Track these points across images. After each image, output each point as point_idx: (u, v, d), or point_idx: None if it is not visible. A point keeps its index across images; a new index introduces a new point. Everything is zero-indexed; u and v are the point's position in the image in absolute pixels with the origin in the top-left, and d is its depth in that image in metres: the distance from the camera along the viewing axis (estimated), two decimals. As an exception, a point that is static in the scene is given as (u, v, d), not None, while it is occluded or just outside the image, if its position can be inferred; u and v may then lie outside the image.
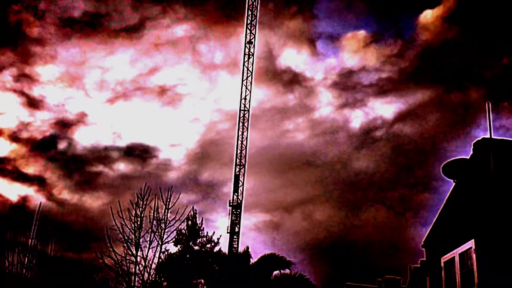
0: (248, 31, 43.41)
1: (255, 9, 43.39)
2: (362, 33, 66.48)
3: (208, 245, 26.44)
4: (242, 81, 43.38)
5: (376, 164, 59.95)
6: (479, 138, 12.51)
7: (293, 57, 66.85)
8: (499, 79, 54.93)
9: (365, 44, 63.19)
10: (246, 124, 42.63)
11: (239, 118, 42.79)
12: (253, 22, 43.42)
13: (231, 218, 40.53)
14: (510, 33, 55.39)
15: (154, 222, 23.94)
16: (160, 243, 23.90)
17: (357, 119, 72.42)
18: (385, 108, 73.99)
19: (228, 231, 39.80)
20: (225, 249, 32.97)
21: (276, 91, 63.42)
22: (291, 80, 62.59)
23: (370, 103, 67.84)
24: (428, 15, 61.03)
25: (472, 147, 12.83)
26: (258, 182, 55.59)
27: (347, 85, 63.76)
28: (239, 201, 40.89)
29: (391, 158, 58.80)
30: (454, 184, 13.27)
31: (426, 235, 14.16)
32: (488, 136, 12.48)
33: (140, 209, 23.86)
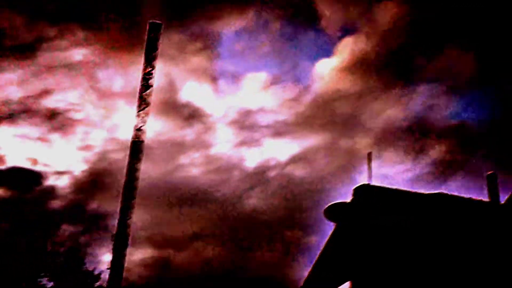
0: (148, 63, 42.92)
1: (155, 41, 43.11)
2: (263, 75, 68.50)
3: (89, 281, 25.02)
4: (138, 111, 42.52)
5: (267, 204, 61.05)
6: (359, 184, 13.17)
7: (194, 92, 66.99)
8: (383, 130, 58.99)
9: (265, 85, 65.14)
10: (139, 156, 41.58)
11: (132, 149, 41.66)
12: (153, 54, 43.04)
13: (116, 252, 38.77)
14: (392, 90, 60.14)
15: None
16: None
17: (252, 158, 73.67)
18: (280, 150, 76.12)
19: (110, 266, 38.00)
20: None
21: (175, 124, 62.89)
22: (191, 114, 62.53)
23: (266, 144, 69.46)
24: (324, 64, 64.49)
25: (352, 192, 13.46)
26: (148, 216, 54.04)
27: (245, 124, 64.95)
28: (125, 235, 39.30)
29: (282, 199, 60.23)
30: (334, 227, 13.78)
31: (306, 277, 14.46)
32: (368, 182, 13.18)
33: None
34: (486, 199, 15.59)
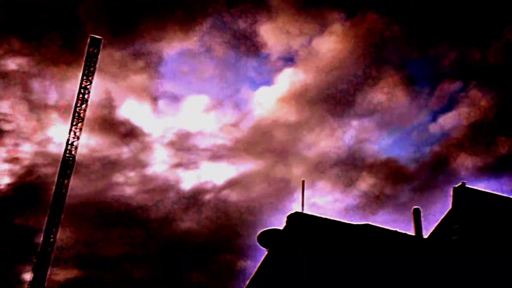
0: (85, 77, 42.01)
1: (95, 56, 42.36)
2: (204, 98, 68.66)
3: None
4: (72, 126, 41.34)
5: (201, 227, 60.51)
6: (292, 212, 13.47)
7: (133, 111, 65.96)
8: (317, 160, 60.46)
9: (205, 109, 65.23)
10: (69, 172, 40.25)
11: (63, 164, 40.30)
12: (91, 69, 42.21)
13: (38, 272, 37.01)
14: (327, 122, 62.00)
15: None
16: None
17: (188, 180, 73.04)
18: (216, 173, 76.00)
19: (29, 286, 36.22)
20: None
21: (111, 142, 61.42)
22: (128, 133, 61.35)
23: (203, 167, 69.15)
24: (264, 92, 65.59)
25: (286, 219, 13.74)
26: (75, 235, 52.06)
27: (183, 146, 64.50)
28: (48, 253, 37.66)
29: (216, 223, 59.93)
30: (266, 252, 13.97)
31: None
32: (300, 210, 13.51)
33: None
34: (411, 232, 16.36)
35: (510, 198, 15.77)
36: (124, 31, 60.40)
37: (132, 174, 62.97)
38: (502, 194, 15.79)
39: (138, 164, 62.18)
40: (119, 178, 61.71)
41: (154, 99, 66.05)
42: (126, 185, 61.71)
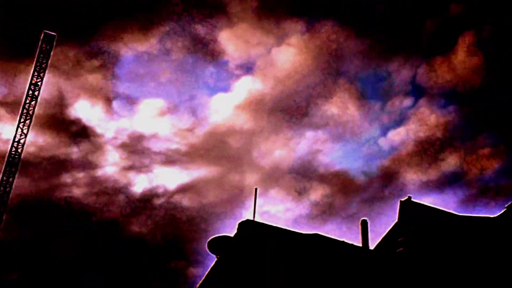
0: (36, 73, 40.83)
1: (47, 52, 41.24)
2: (159, 101, 67.84)
3: None
4: (19, 123, 40.05)
5: (151, 232, 59.64)
6: (244, 219, 13.54)
7: (86, 110, 64.34)
8: (271, 169, 60.91)
9: (160, 113, 64.49)
10: (14, 170, 38.94)
11: (8, 162, 38.95)
12: (43, 65, 41.07)
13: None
14: (282, 132, 62.64)
15: None
16: None
17: (140, 184, 71.87)
18: (169, 178, 75.08)
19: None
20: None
21: (60, 141, 59.70)
22: (79, 132, 59.80)
23: (156, 171, 68.22)
24: (221, 99, 65.58)
25: (237, 226, 13.79)
26: (19, 234, 50.24)
27: (136, 149, 63.43)
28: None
29: (167, 228, 59.22)
30: (216, 259, 13.96)
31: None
32: (252, 218, 13.59)
33: None
34: (359, 243, 16.74)
35: (452, 213, 16.39)
36: (81, 28, 59.12)
37: (81, 175, 61.42)
38: (445, 209, 16.41)
39: (88, 165, 60.73)
40: (67, 178, 60.07)
41: (108, 100, 64.82)
42: (75, 186, 60.12)
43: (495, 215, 15.27)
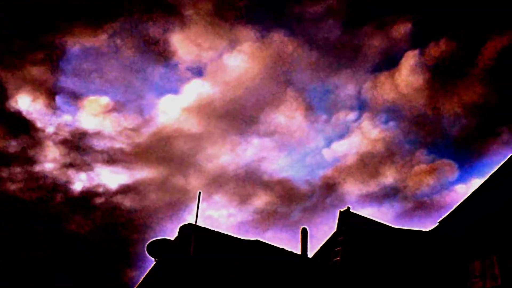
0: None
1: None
2: (105, 99, 66.30)
3: None
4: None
5: (90, 232, 58.07)
6: (185, 223, 13.50)
7: (27, 103, 62.02)
8: (216, 174, 60.81)
9: (105, 110, 63.10)
10: None
11: None
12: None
13: None
14: (229, 137, 62.78)
15: None
16: None
17: (80, 182, 69.92)
18: (111, 177, 73.52)
19: None
20: None
21: (-4, 133, 57.15)
22: (19, 126, 57.57)
23: (97, 169, 66.60)
24: (169, 101, 64.93)
25: (178, 230, 13.73)
26: None
27: (78, 146, 61.63)
28: None
29: (106, 229, 57.87)
30: (154, 263, 13.83)
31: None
32: (194, 222, 13.55)
33: None
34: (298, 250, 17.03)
35: (387, 225, 16.99)
36: (26, 19, 57.16)
37: (18, 169, 59.20)
38: (382, 221, 16.98)
39: (26, 160, 58.60)
40: (3, 172, 57.72)
41: (51, 94, 62.86)
42: (10, 182, 57.86)
43: (428, 229, 15.96)
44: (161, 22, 60.96)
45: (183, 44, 61.49)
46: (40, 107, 63.68)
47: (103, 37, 60.53)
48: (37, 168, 62.14)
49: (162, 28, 60.38)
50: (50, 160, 65.96)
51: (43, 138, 61.84)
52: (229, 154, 64.34)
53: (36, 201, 56.33)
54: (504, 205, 13.79)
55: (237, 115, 61.29)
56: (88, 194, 61.35)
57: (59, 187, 60.70)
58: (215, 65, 62.16)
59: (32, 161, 61.05)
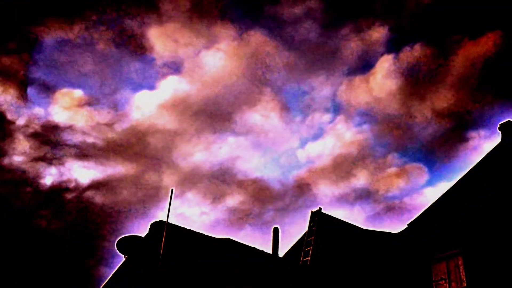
0: None
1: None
2: (78, 92, 65.30)
3: None
4: None
5: (61, 228, 57.22)
6: (156, 220, 13.45)
7: (-4, 95, 60.77)
8: (190, 171, 60.60)
9: (78, 104, 62.22)
10: None
11: None
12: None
13: None
14: (204, 135, 62.65)
15: None
16: None
17: (50, 176, 68.80)
18: (82, 172, 72.55)
19: None
20: None
21: (-37, 124, 55.85)
22: (-13, 116, 56.30)
23: (68, 164, 65.68)
24: (144, 96, 64.36)
25: (149, 227, 13.67)
26: None
27: (49, 139, 60.65)
28: None
29: (77, 224, 57.09)
30: (124, 259, 13.73)
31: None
32: (165, 219, 13.50)
33: None
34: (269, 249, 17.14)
35: (358, 227, 17.22)
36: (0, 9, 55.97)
37: (-14, 162, 57.95)
38: (353, 223, 17.21)
39: (-6, 152, 57.40)
40: (-30, 165, 56.42)
41: (23, 85, 61.73)
42: (-23, 174, 56.60)
43: (397, 231, 16.24)
44: (137, 15, 60.44)
45: (160, 40, 61.02)
46: (11, 98, 62.53)
47: (79, 29, 59.68)
48: (6, 160, 61.02)
49: (140, 22, 59.85)
50: (19, 153, 64.79)
51: (13, 130, 60.70)
52: (203, 152, 64.20)
53: (3, 195, 55.26)
54: (470, 209, 14.13)
55: (213, 113, 61.17)
56: (59, 189, 60.51)
57: (28, 181, 59.73)
58: (192, 62, 61.93)
59: (1, 154, 59.94)
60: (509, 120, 15.46)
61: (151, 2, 60.05)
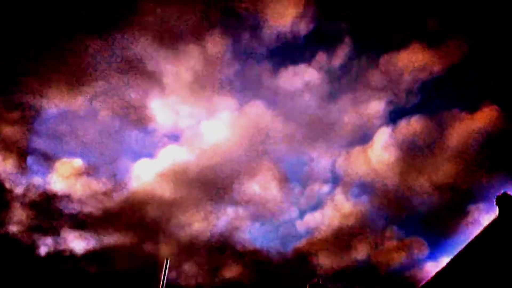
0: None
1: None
2: (78, 161, 65.73)
3: None
4: None
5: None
6: (152, 290, 13.24)
7: (-5, 163, 61.09)
8: (187, 242, 59.90)
9: (77, 173, 62.46)
10: None
11: None
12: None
13: None
14: (203, 205, 62.46)
15: None
16: None
17: (45, 246, 67.77)
18: (78, 243, 71.54)
19: None
20: None
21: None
22: (-15, 185, 56.22)
23: (64, 234, 64.87)
24: (144, 165, 64.78)
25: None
26: None
27: (46, 209, 60.33)
28: None
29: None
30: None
31: None
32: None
33: None
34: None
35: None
36: (2, 78, 57.56)
37: (-18, 231, 57.23)
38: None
39: (-9, 221, 56.85)
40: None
41: (23, 154, 62.25)
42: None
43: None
44: (140, 87, 62.02)
45: (162, 111, 62.30)
46: (10, 167, 62.83)
47: (80, 99, 61.00)
48: (1, 230, 60.28)
49: (141, 93, 61.33)
50: (16, 223, 64.13)
51: (11, 199, 60.48)
52: (202, 222, 63.68)
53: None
54: (469, 284, 13.95)
55: (212, 183, 61.27)
56: (54, 259, 59.34)
57: (24, 251, 58.65)
58: (192, 131, 62.89)
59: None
60: (505, 192, 15.59)
61: (155, 75, 61.88)
